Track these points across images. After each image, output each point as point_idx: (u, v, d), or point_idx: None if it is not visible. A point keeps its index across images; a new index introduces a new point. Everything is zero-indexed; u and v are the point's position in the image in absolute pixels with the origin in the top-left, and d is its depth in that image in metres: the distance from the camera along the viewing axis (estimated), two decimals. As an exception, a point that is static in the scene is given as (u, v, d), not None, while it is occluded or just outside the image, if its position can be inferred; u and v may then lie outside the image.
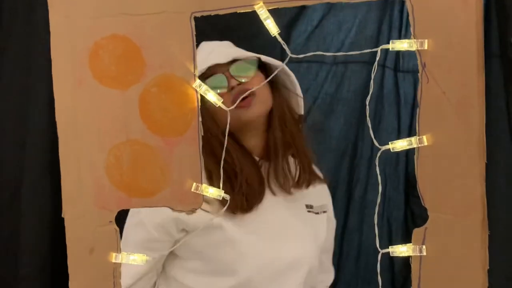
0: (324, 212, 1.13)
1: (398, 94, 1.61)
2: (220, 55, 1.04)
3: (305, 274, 1.06)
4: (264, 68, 1.11)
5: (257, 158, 1.10)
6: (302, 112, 1.16)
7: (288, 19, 1.60)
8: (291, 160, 1.13)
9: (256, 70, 1.08)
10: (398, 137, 1.62)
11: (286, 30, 1.60)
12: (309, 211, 1.11)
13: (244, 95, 1.00)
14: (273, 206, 1.08)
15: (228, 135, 0.93)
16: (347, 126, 1.66)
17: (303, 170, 1.10)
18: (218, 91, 1.04)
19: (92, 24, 0.88)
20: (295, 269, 1.05)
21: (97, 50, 0.88)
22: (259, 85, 1.02)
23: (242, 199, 1.04)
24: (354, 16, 1.59)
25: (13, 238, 1.44)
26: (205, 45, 1.13)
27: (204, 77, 1.02)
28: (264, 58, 1.09)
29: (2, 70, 1.39)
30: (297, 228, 1.09)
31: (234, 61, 1.07)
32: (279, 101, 1.10)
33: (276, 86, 1.11)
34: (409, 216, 1.65)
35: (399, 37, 1.60)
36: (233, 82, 1.04)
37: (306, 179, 1.10)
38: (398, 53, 1.59)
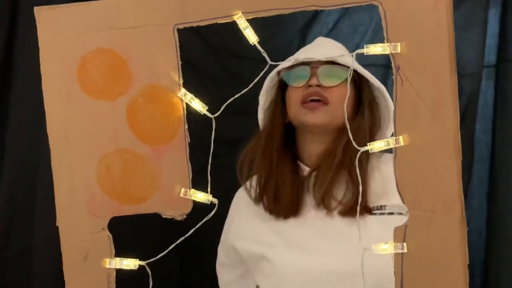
0: (400, 214, 1.01)
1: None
2: (316, 50, 1.06)
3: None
4: (358, 81, 1.09)
5: (306, 169, 1.10)
6: (388, 134, 1.10)
7: (304, 21, 1.67)
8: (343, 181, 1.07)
9: (343, 81, 1.04)
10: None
11: (301, 33, 1.67)
12: (375, 213, 1.04)
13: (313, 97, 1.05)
14: (315, 217, 1.07)
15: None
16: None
17: (352, 196, 1.04)
18: (296, 83, 1.06)
19: (79, 39, 0.96)
20: (346, 281, 1.01)
21: (85, 64, 0.97)
22: (339, 96, 1.03)
23: (278, 206, 1.08)
24: (370, 18, 1.64)
25: (27, 237, 1.58)
26: (327, 40, 1.18)
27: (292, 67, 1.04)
28: (360, 70, 1.07)
29: (19, 73, 1.54)
30: (344, 235, 1.03)
31: (328, 62, 1.05)
32: (359, 121, 1.06)
33: (363, 105, 1.08)
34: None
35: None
36: (314, 81, 1.05)
37: (354, 207, 1.00)
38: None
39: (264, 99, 1.16)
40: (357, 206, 0.95)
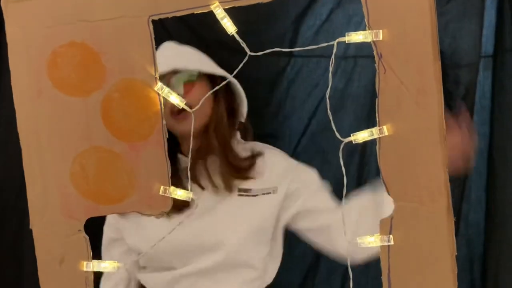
0: (269, 193, 1.24)
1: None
2: (163, 64, 1.10)
3: (221, 257, 1.20)
4: (208, 77, 1.22)
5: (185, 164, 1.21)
6: (243, 119, 1.31)
7: (297, 13, 1.71)
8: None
9: (195, 81, 1.19)
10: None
11: (295, 24, 1.70)
12: (240, 195, 1.23)
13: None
14: (201, 200, 1.21)
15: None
16: (357, 122, 1.75)
17: (226, 170, 1.23)
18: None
19: (49, 33, 0.98)
20: (208, 252, 1.20)
21: (55, 58, 0.98)
22: (199, 96, 1.12)
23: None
24: (364, 9, 1.68)
25: (18, 237, 1.65)
26: (168, 47, 1.25)
27: None
28: (205, 70, 1.20)
29: (6, 72, 1.52)
30: (218, 214, 1.22)
31: (176, 72, 1.18)
32: (218, 111, 1.23)
33: (218, 96, 1.23)
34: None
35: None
36: None
37: (230, 177, 1.23)
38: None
39: None
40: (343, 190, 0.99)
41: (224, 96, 1.25)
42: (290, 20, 1.70)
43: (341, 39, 0.93)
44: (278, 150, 1.33)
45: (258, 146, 1.31)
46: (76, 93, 0.99)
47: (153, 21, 0.97)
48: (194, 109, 1.02)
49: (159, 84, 0.99)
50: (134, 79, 0.98)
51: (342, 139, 0.96)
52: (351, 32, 0.92)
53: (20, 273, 1.67)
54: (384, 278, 0.94)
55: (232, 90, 1.27)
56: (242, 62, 0.99)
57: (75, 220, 1.00)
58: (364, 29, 1.66)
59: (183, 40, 1.57)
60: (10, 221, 1.67)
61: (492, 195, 1.70)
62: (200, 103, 1.02)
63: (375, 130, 0.93)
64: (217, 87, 1.10)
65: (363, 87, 1.76)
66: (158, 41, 1.00)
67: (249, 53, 0.97)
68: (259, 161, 1.26)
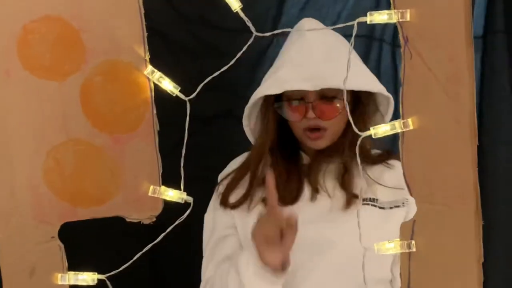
0: (397, 206, 1.14)
1: (396, 71, 1.68)
2: (308, 78, 1.06)
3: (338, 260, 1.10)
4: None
5: (306, 161, 1.19)
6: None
7: None
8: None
9: (339, 105, 1.10)
10: (397, 116, 1.71)
11: (278, 0, 1.65)
12: (365, 204, 1.13)
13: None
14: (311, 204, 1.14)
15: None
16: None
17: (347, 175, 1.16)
18: (293, 118, 1.12)
19: (20, 5, 0.90)
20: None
21: (27, 35, 0.91)
22: (336, 119, 1.09)
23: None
24: (352, -15, 1.65)
25: None
26: (301, 36, 1.12)
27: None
28: (358, 88, 1.09)
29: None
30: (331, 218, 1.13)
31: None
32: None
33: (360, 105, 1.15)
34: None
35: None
36: (311, 115, 1.10)
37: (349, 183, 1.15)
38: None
39: (249, 111, 1.17)
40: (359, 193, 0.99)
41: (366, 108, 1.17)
42: (275, -5, 1.67)
43: (361, 19, 0.88)
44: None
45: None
46: (50, 76, 0.93)
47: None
48: (190, 97, 0.95)
49: (150, 67, 0.92)
50: (119, 61, 0.93)
51: (360, 133, 0.90)
52: (373, 12, 0.87)
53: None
54: (403, 286, 0.90)
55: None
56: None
57: (49, 224, 0.95)
58: (351, 7, 1.66)
59: (161, 15, 1.52)
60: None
61: (481, 184, 1.72)
62: (199, 88, 0.95)
63: (398, 123, 0.88)
64: (222, 69, 0.99)
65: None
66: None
67: (255, 33, 0.92)
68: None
